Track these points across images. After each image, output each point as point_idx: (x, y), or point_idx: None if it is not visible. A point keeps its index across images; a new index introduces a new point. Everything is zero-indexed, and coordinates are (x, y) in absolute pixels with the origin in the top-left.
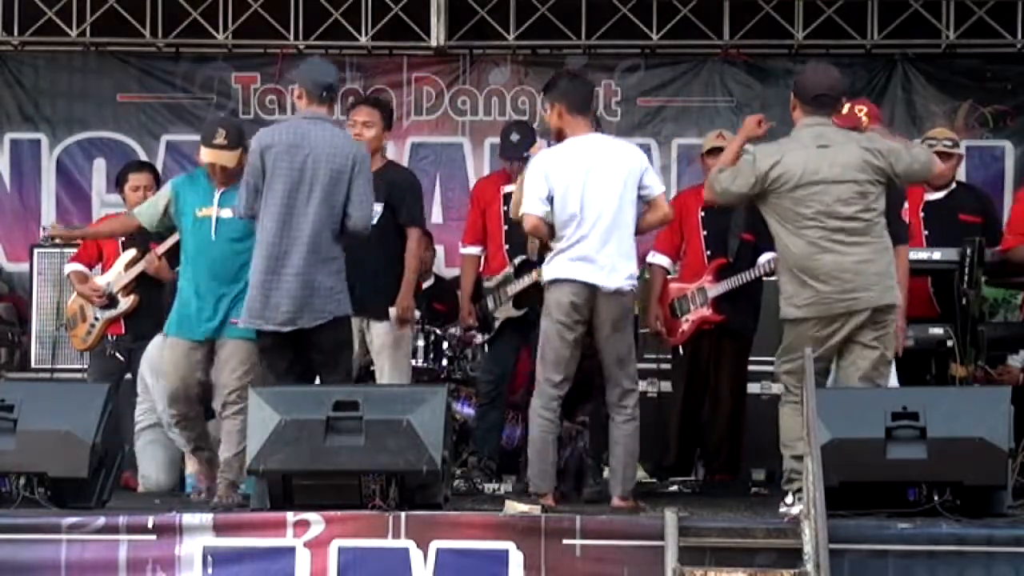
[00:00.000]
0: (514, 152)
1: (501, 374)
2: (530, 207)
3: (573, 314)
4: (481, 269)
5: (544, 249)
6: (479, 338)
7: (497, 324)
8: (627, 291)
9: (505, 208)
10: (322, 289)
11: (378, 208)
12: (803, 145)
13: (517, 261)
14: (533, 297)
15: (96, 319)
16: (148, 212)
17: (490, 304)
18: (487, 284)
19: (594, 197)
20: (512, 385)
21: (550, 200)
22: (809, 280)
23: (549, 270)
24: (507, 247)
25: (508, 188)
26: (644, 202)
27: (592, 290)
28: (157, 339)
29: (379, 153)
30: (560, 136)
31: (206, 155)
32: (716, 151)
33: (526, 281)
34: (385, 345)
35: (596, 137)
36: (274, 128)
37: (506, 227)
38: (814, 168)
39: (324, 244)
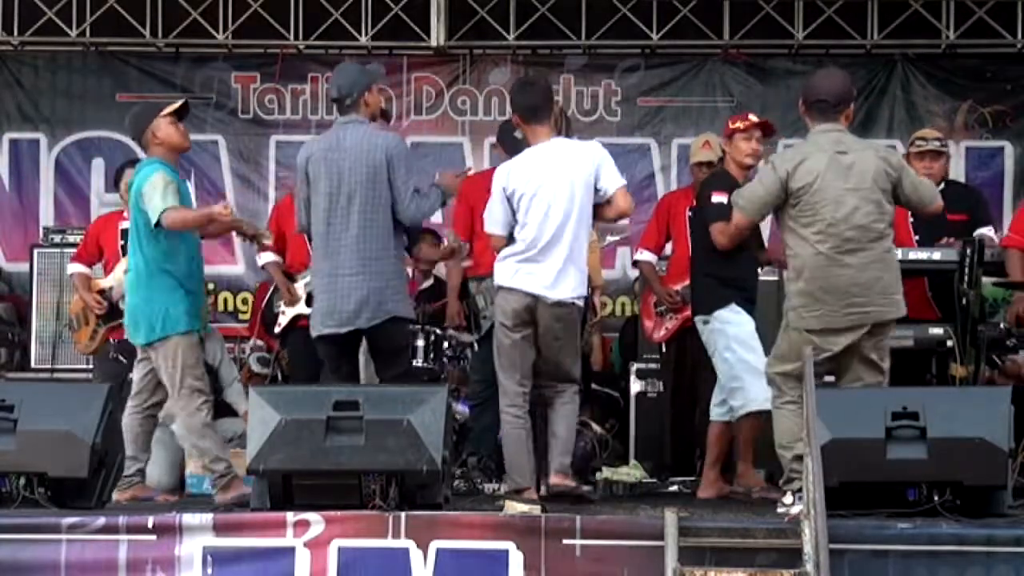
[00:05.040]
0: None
1: (492, 374)
2: (492, 227)
3: (515, 319)
4: (467, 267)
5: None
6: (466, 337)
7: (486, 325)
8: (568, 303)
9: None
10: (376, 289)
11: None
12: (822, 149)
13: None
14: None
15: (99, 325)
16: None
17: (480, 303)
18: (474, 283)
19: (543, 203)
20: None
21: (513, 214)
22: (818, 292)
23: (498, 273)
24: None
25: None
26: (604, 199)
27: (535, 299)
28: None
29: None
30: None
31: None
32: (704, 164)
33: None
34: None
35: (553, 144)
36: (315, 139)
37: None
38: (834, 174)
39: (371, 244)
